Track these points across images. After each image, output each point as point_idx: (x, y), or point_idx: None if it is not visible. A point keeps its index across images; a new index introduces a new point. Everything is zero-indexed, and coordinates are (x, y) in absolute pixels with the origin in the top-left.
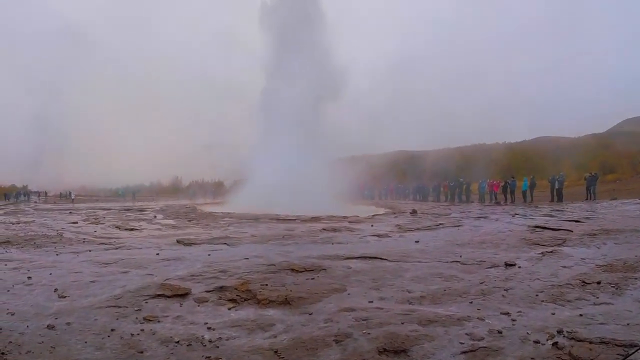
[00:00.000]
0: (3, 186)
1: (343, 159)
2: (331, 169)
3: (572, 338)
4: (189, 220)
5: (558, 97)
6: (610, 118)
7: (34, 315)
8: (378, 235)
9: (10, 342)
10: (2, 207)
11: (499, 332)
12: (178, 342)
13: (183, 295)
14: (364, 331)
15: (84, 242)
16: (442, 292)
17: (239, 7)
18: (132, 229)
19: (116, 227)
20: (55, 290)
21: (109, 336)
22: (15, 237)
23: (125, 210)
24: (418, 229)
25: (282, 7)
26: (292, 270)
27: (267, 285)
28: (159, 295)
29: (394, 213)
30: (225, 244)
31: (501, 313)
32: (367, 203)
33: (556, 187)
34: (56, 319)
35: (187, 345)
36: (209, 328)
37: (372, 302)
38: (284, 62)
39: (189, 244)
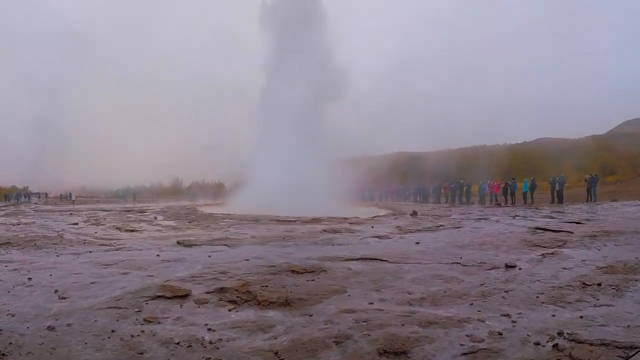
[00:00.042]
0: (3, 187)
1: (343, 160)
2: (331, 170)
3: (573, 340)
4: (190, 222)
5: (558, 98)
6: (611, 119)
7: (34, 317)
8: (378, 237)
9: (11, 343)
10: (3, 208)
11: (499, 333)
12: (178, 343)
13: (183, 296)
14: (364, 333)
15: (84, 243)
16: (443, 293)
17: (239, 7)
18: (132, 230)
19: (117, 228)
20: (56, 291)
21: (109, 337)
22: (15, 238)
23: (125, 211)
24: (418, 230)
25: (282, 7)
26: (293, 271)
27: (267, 286)
28: (159, 296)
29: (395, 214)
30: (225, 245)
31: (501, 315)
32: (368, 204)
33: (557, 188)
34: (56, 320)
35: (188, 347)
36: (209, 329)
37: (372, 303)
38: (284, 62)
39: (189, 245)
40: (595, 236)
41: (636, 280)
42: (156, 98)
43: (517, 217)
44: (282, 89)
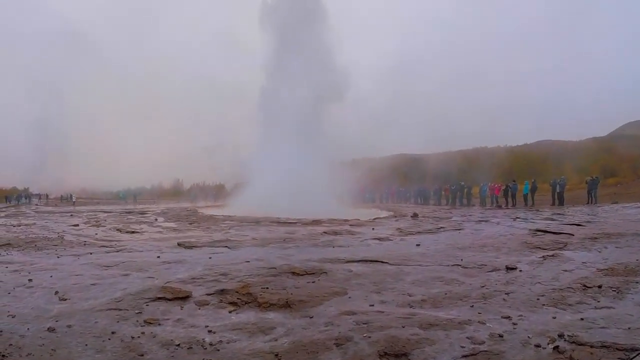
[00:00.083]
0: (4, 188)
1: (344, 162)
2: (332, 171)
3: (573, 342)
4: (190, 223)
5: (558, 98)
6: (612, 121)
7: (34, 318)
8: (379, 239)
9: (11, 344)
10: (3, 209)
11: (500, 335)
12: (179, 345)
13: (184, 298)
14: (364, 335)
15: (84, 244)
16: (443, 295)
17: (239, 7)
18: (133, 232)
19: (117, 229)
20: (56, 292)
21: (109, 339)
22: (16, 239)
23: (126, 213)
24: (419, 232)
25: (282, 6)
26: (293, 273)
27: (267, 288)
28: (159, 298)
29: (395, 216)
30: (226, 247)
31: (502, 317)
32: (368, 206)
33: (557, 190)
34: (57, 321)
35: (188, 348)
36: (209, 331)
37: (373, 305)
38: (284, 62)
39: (189, 246)
40: (595, 238)
41: (637, 283)
42: (156, 98)
43: (518, 219)
44: (282, 89)
